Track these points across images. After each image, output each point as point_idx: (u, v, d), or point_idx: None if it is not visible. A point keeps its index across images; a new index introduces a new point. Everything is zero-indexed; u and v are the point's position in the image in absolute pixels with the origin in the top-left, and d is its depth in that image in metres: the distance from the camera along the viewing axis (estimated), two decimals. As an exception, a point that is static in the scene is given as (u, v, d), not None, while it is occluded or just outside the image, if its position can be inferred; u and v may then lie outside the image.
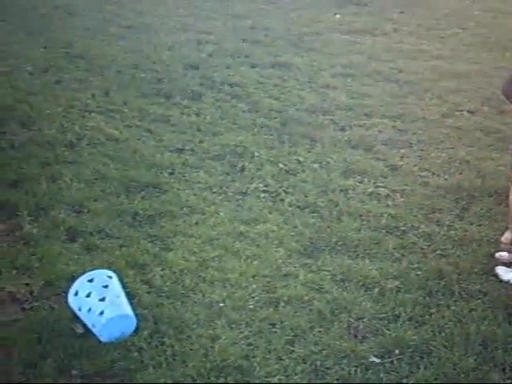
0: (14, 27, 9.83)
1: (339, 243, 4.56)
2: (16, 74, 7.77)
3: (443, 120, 6.95)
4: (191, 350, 3.49)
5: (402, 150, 6.15)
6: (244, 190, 5.25)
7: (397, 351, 3.55)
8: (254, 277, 4.13)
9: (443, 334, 3.70)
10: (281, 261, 4.33)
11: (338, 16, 11.17)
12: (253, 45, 9.31)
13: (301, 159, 5.84)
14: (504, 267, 4.30)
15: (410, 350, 3.57)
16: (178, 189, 5.21)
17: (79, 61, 8.33)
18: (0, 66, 8.00)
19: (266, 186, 5.33)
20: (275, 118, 6.74)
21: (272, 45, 9.35)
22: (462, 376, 3.41)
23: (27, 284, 3.96)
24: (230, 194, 5.20)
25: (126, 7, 11.34)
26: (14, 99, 6.91)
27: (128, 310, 3.64)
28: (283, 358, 3.48)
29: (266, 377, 3.34)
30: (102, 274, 3.79)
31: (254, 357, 3.46)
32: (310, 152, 6.00)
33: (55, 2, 11.50)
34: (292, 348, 3.55)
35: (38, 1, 11.54)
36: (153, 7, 11.37)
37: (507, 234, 4.46)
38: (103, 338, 3.51)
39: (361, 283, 4.12)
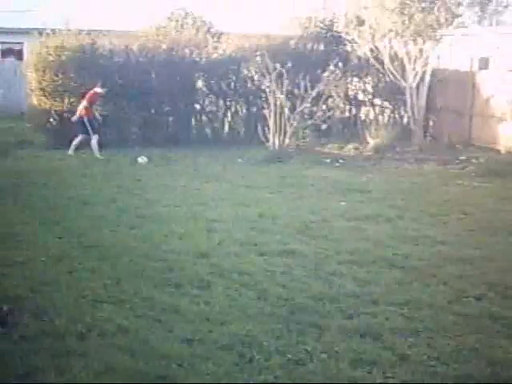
0: (29, 217, 10.22)
1: None
2: (30, 263, 7.99)
3: (450, 306, 6.99)
4: None
5: (410, 339, 6.16)
6: (253, 382, 5.25)
7: None
8: None
9: None
10: None
11: (342, 203, 11.54)
12: (261, 233, 9.57)
13: (309, 349, 5.86)
14: None
15: None
16: (187, 382, 5.21)
17: (92, 250, 8.58)
18: (15, 255, 8.24)
19: (275, 378, 5.33)
20: (283, 306, 6.82)
21: (279, 232, 9.61)
22: None
23: None
24: (238, 387, 5.20)
25: (137, 197, 11.80)
26: (28, 289, 7.06)
27: None
28: None
29: None
30: None
31: None
32: (317, 341, 6.02)
33: (70, 192, 12.00)
34: None
35: (54, 191, 12.05)
36: (164, 197, 11.82)
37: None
38: None
39: None
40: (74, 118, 16.51)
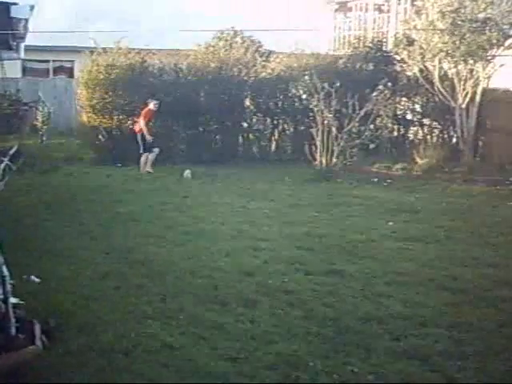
0: (78, 233, 10.33)
1: None
2: (77, 279, 8.05)
3: (500, 330, 6.84)
4: None
5: (459, 362, 6.03)
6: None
7: None
8: None
9: None
10: None
11: (390, 223, 11.41)
12: (307, 252, 9.51)
13: (355, 370, 5.77)
14: None
15: None
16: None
17: (139, 266, 8.61)
18: (63, 271, 8.32)
19: (320, 399, 5.26)
20: (329, 327, 6.74)
21: (326, 252, 9.54)
22: None
23: None
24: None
25: (185, 214, 11.84)
26: (74, 304, 7.11)
27: None
28: None
29: None
30: None
31: None
32: (364, 362, 5.93)
33: (118, 208, 12.11)
34: None
35: (102, 207, 12.17)
36: (210, 214, 11.84)
37: None
38: None
39: None
40: (149, 138, 16.66)
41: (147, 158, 16.62)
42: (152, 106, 16.83)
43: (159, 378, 5.47)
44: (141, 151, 16.66)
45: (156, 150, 16.77)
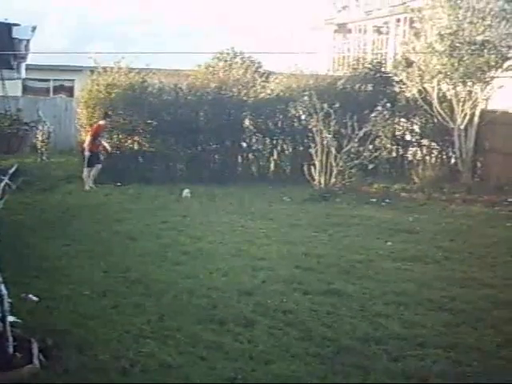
0: (77, 251, 10.31)
1: None
2: (75, 298, 8.03)
3: (498, 351, 6.83)
4: None
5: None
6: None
7: None
8: None
9: None
10: None
11: (389, 243, 11.42)
12: (306, 271, 9.51)
13: (354, 391, 5.76)
14: None
15: None
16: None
17: (137, 285, 8.60)
18: (60, 289, 8.30)
19: (318, 419, 5.24)
20: (328, 347, 6.73)
21: (324, 272, 9.53)
22: None
23: None
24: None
25: (183, 233, 11.84)
26: (72, 323, 7.09)
27: None
28: None
29: None
30: None
31: None
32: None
33: (116, 227, 12.10)
34: None
35: (101, 226, 12.16)
36: (209, 233, 11.83)
37: None
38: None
39: None
40: (87, 153, 16.98)
41: (89, 173, 16.83)
42: (102, 122, 17.12)
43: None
44: (84, 166, 16.89)
45: (99, 166, 16.96)
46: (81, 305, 7.77)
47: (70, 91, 27.45)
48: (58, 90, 27.91)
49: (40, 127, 21.75)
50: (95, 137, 16.99)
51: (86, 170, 16.97)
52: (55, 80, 27.82)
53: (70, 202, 15.04)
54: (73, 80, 26.80)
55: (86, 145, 17.02)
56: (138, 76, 18.70)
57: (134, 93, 18.39)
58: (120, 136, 18.41)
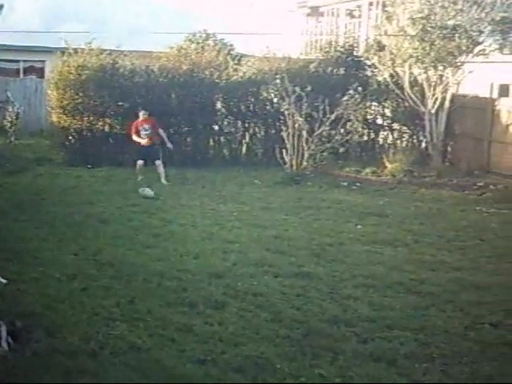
0: (46, 234, 10.26)
1: None
2: (45, 280, 8.00)
3: (465, 333, 6.92)
4: None
5: (425, 364, 6.10)
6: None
7: None
8: None
9: None
10: None
11: (359, 227, 11.49)
12: (276, 254, 9.54)
13: (323, 373, 5.81)
14: None
15: None
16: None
17: (107, 268, 8.59)
18: (30, 272, 8.27)
19: (287, 401, 5.28)
20: (297, 329, 6.78)
21: (295, 255, 9.57)
22: None
23: None
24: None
25: (154, 216, 11.81)
26: (41, 306, 7.07)
27: None
28: None
29: None
30: None
31: None
32: (332, 365, 5.97)
33: (87, 210, 12.04)
34: None
35: (72, 208, 12.08)
36: (180, 216, 11.83)
37: None
38: None
39: None
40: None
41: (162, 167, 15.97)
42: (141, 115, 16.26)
43: (126, 381, 5.44)
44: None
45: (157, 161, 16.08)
46: (50, 287, 7.75)
47: (40, 72, 27.13)
48: (28, 71, 27.56)
49: (9, 108, 21.51)
50: (137, 133, 16.05)
51: (159, 164, 15.82)
52: (25, 61, 27.46)
53: (40, 184, 14.91)
54: (44, 61, 26.47)
55: (144, 142, 15.96)
56: (109, 57, 18.51)
57: (104, 74, 18.20)
58: (91, 118, 18.25)
